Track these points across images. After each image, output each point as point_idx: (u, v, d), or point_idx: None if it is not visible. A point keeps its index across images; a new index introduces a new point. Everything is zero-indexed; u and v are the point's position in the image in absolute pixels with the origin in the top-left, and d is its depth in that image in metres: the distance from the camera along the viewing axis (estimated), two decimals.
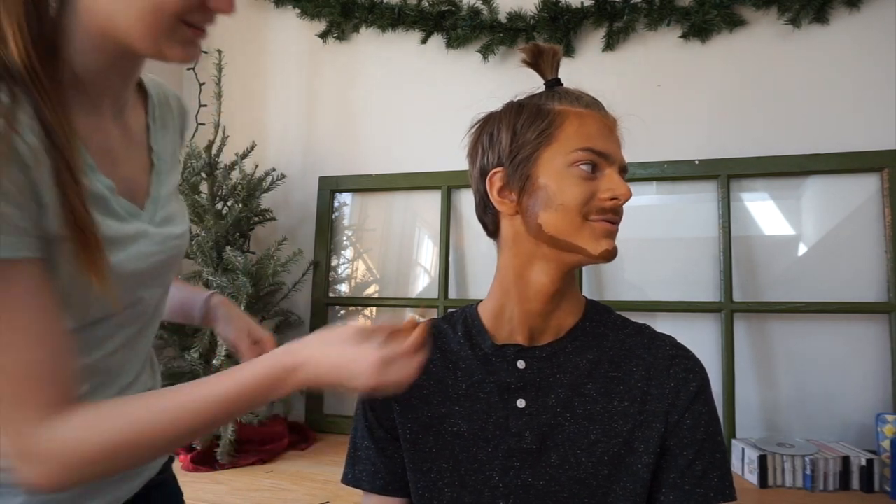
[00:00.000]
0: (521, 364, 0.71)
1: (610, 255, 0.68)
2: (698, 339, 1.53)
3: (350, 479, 0.77)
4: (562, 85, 0.75)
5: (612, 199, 0.67)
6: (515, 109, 0.73)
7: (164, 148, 0.74)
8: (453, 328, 0.78)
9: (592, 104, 0.72)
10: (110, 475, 0.56)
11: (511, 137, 0.71)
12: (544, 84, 0.75)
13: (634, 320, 0.77)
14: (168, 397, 0.56)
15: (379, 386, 0.58)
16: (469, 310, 0.79)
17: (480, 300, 0.80)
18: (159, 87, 0.77)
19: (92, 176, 0.60)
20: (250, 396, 0.58)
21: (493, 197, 0.71)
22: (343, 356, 0.59)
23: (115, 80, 0.63)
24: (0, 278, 0.50)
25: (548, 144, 0.69)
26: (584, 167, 0.68)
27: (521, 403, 0.70)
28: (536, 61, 0.76)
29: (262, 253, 1.71)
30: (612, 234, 0.69)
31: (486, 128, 0.74)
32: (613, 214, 0.68)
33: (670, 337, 0.74)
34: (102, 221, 0.59)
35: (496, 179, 0.71)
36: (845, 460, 1.26)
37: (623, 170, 0.70)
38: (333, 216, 1.89)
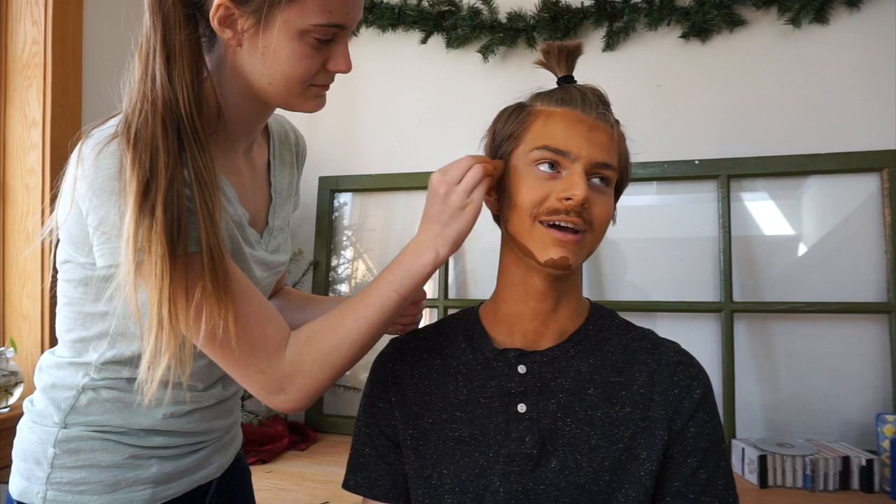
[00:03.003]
0: (522, 369, 0.71)
1: (557, 264, 0.66)
2: (698, 339, 1.53)
3: (351, 485, 0.77)
4: (573, 81, 0.74)
5: (566, 199, 0.65)
6: (503, 111, 0.74)
7: (280, 182, 0.86)
8: (454, 332, 0.77)
9: (570, 101, 0.69)
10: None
11: (492, 139, 0.74)
12: (556, 82, 0.75)
13: (638, 324, 0.77)
14: (352, 306, 0.70)
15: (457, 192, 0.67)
16: (471, 312, 0.79)
17: (481, 300, 0.80)
18: (280, 125, 0.90)
19: (236, 206, 0.74)
20: (398, 296, 0.69)
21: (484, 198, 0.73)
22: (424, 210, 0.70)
23: (250, 124, 0.76)
24: (229, 258, 0.66)
25: (517, 146, 0.70)
26: (542, 167, 0.67)
27: (521, 408, 0.70)
28: (547, 60, 0.76)
29: None
30: (562, 244, 0.66)
31: (489, 129, 0.76)
32: (573, 216, 0.65)
33: (674, 343, 0.74)
34: (240, 244, 0.74)
35: None
36: (845, 460, 1.26)
37: (598, 166, 0.67)
38: (333, 216, 1.89)
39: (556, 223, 0.66)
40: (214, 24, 0.64)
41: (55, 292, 0.75)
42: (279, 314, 0.71)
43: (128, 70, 0.65)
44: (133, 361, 0.72)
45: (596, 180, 0.68)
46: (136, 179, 0.60)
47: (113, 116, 0.68)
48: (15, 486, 0.73)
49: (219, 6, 0.63)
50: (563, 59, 0.74)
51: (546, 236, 0.66)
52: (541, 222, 0.67)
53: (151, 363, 0.63)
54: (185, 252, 0.62)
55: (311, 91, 0.70)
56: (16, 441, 0.76)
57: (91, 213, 0.64)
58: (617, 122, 0.71)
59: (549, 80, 0.76)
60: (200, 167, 0.64)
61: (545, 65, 0.76)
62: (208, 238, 0.62)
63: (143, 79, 0.63)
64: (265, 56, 0.66)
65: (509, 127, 0.71)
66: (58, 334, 0.76)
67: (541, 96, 0.72)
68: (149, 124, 0.62)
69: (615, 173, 0.69)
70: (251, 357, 0.67)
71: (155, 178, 0.60)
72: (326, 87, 0.72)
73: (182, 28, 0.63)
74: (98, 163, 0.62)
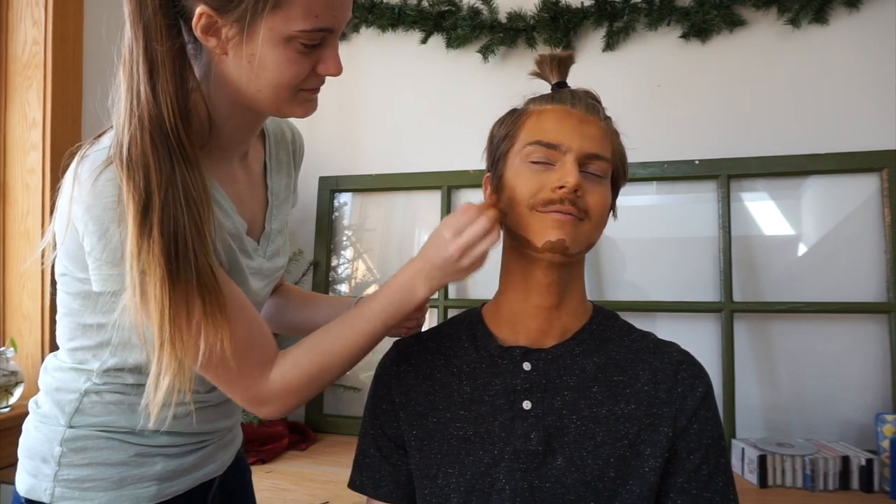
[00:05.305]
0: (527, 366, 0.71)
1: (555, 247, 0.67)
2: (698, 339, 1.53)
3: (357, 484, 0.77)
4: (565, 87, 0.76)
5: (559, 187, 0.66)
6: (499, 118, 0.77)
7: (277, 184, 0.85)
8: (457, 332, 0.78)
9: (561, 98, 0.72)
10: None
11: (490, 142, 0.76)
12: (550, 88, 0.77)
13: (638, 326, 0.78)
14: (339, 332, 0.72)
15: (460, 252, 0.67)
16: (474, 312, 0.79)
17: (481, 300, 0.80)
18: (276, 123, 0.88)
19: (233, 217, 0.74)
20: (384, 326, 0.72)
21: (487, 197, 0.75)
22: (425, 250, 0.71)
23: (243, 133, 0.75)
24: (224, 277, 0.67)
25: (512, 144, 0.73)
26: (535, 161, 0.69)
27: (527, 405, 0.70)
28: (542, 69, 0.79)
29: None
30: (561, 226, 0.67)
31: (487, 137, 0.78)
32: (567, 205, 0.67)
33: (675, 344, 0.75)
34: (237, 256, 0.73)
35: (487, 182, 0.76)
36: (845, 460, 1.27)
37: (589, 157, 0.68)
38: (333, 216, 1.89)
39: (553, 212, 0.67)
40: (198, 32, 0.63)
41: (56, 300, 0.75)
42: (268, 334, 0.72)
43: (113, 85, 0.65)
44: (136, 369, 0.72)
45: (589, 171, 0.69)
46: (134, 201, 0.60)
47: (106, 132, 0.67)
48: (22, 483, 0.73)
49: (201, 15, 0.62)
50: (556, 68, 0.77)
51: (545, 219, 0.67)
52: (538, 211, 0.68)
53: (156, 384, 0.63)
54: (185, 276, 0.61)
55: (300, 96, 0.69)
56: (22, 439, 0.76)
57: (87, 238, 0.63)
58: (608, 117, 0.73)
59: (547, 84, 0.78)
60: (189, 185, 0.63)
61: (539, 74, 0.79)
62: (197, 260, 0.62)
63: (128, 93, 0.62)
64: (251, 64, 0.64)
65: (504, 129, 0.74)
66: (59, 342, 0.76)
67: (534, 99, 0.75)
68: (138, 142, 0.61)
69: (609, 165, 0.71)
70: (236, 377, 0.69)
71: (151, 198, 0.60)
72: (317, 90, 0.70)
73: (164, 38, 0.62)
74: (95, 189, 0.61)
